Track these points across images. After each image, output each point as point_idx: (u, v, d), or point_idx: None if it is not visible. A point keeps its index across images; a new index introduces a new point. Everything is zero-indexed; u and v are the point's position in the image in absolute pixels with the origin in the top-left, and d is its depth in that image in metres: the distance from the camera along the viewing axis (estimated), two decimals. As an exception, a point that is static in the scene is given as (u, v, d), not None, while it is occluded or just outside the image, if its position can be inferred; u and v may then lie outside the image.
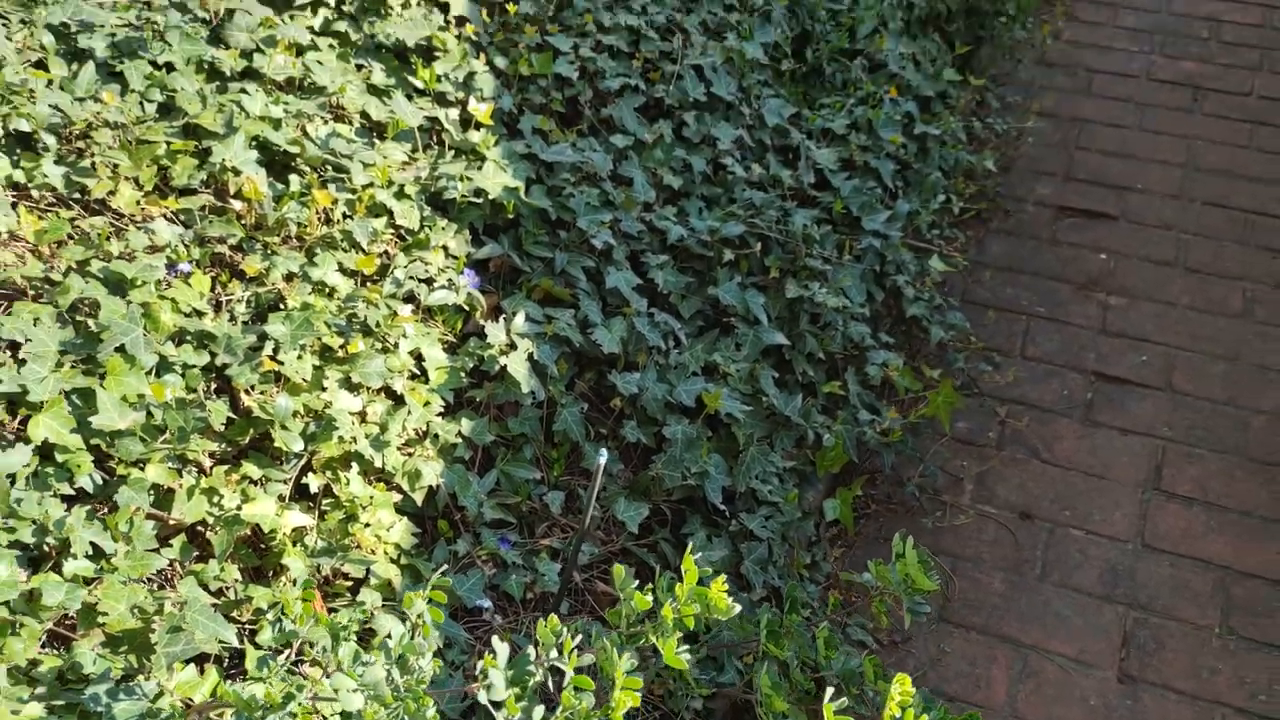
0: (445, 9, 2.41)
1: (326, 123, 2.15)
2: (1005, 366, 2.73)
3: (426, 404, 1.85)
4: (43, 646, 1.47)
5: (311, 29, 2.28)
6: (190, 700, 1.40)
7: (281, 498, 1.70)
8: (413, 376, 1.90)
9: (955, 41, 3.31)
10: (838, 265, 2.37)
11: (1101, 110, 3.60)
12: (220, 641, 1.51)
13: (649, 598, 1.48)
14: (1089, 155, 3.41)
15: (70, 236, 1.81)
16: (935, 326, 2.52)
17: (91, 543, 1.50)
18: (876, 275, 2.49)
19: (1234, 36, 3.97)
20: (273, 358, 1.73)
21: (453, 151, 2.20)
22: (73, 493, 1.56)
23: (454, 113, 2.25)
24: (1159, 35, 3.94)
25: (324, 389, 1.76)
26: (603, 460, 1.59)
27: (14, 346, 1.60)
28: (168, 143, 1.96)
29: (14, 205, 1.81)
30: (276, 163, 2.04)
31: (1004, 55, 3.63)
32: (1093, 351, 2.79)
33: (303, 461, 1.73)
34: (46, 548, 1.50)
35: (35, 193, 1.85)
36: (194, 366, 1.72)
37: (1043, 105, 3.57)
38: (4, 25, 2.01)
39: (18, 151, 1.86)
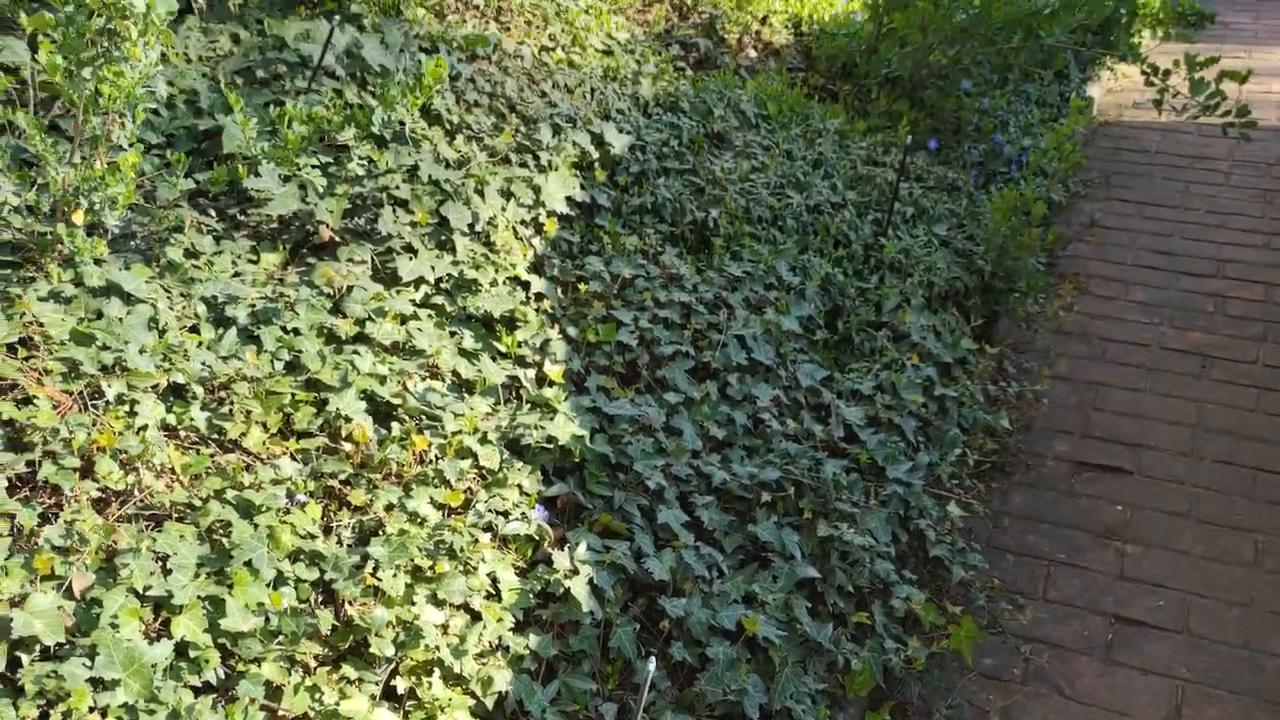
0: (526, 286, 2.85)
1: (424, 379, 2.54)
2: (1027, 607, 2.94)
3: (500, 620, 2.13)
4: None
5: (414, 302, 2.71)
6: None
7: (373, 697, 1.95)
8: (489, 596, 2.19)
9: (972, 315, 3.70)
10: (865, 509, 2.66)
11: (1115, 375, 3.92)
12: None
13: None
14: (1104, 415, 3.71)
15: (209, 470, 2.17)
16: (957, 566, 2.76)
17: (216, 726, 1.76)
18: (901, 519, 2.76)
19: (1239, 311, 4.32)
20: (373, 575, 2.04)
21: (529, 405, 2.57)
22: (200, 684, 1.84)
23: (531, 372, 2.64)
24: (1168, 309, 4.31)
25: (414, 603, 2.05)
26: (650, 670, 1.84)
27: (162, 559, 1.93)
28: (292, 394, 2.35)
29: (165, 444, 2.18)
30: (381, 411, 2.42)
31: (1020, 326, 4.01)
32: (1111, 595, 2.99)
33: (393, 665, 2.00)
34: (180, 728, 1.76)
35: (183, 433, 2.23)
36: (306, 581, 2.02)
37: (1059, 370, 3.90)
38: (167, 296, 2.45)
39: (171, 398, 2.26)
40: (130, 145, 2.30)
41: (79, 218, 2.28)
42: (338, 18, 3.20)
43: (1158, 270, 4.52)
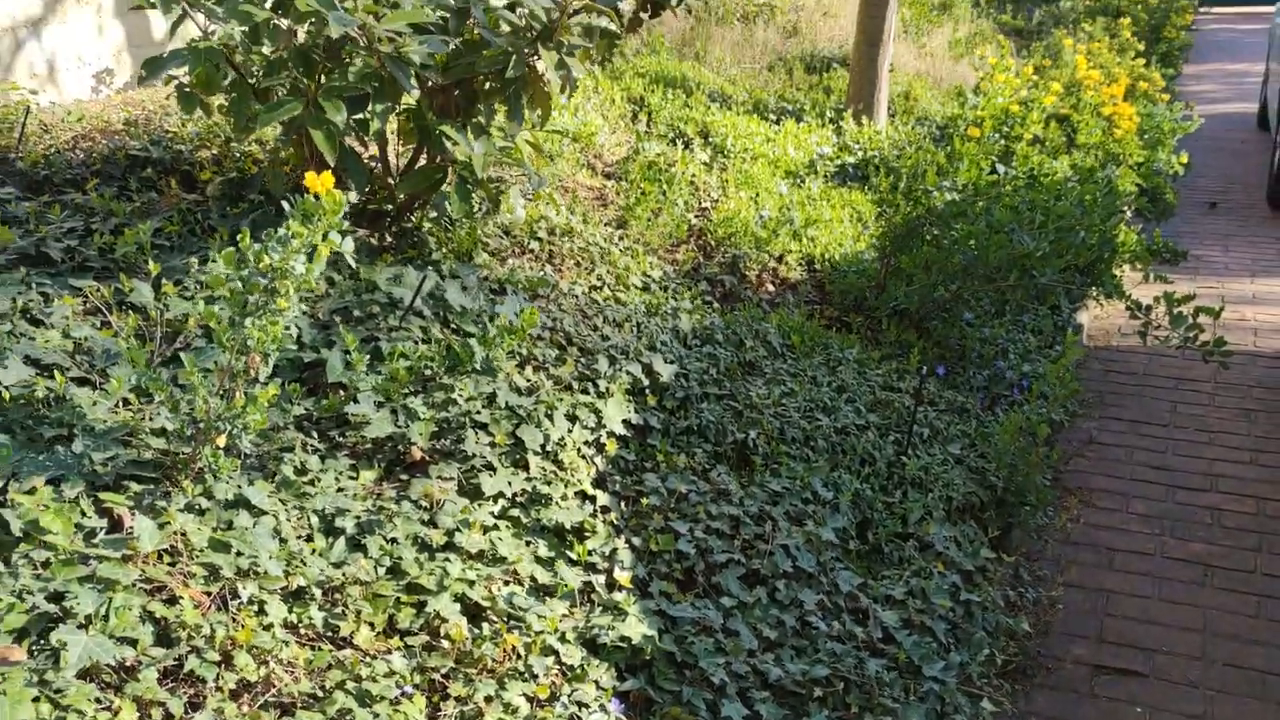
0: (593, 500, 3.19)
1: (508, 584, 2.83)
2: (1060, 803, 3.13)
3: (588, 803, 2.35)
4: None
5: (494, 514, 3.03)
6: None
7: None
8: (576, 781, 2.42)
9: (988, 526, 4.01)
10: (905, 704, 2.90)
11: (1124, 583, 4.20)
12: None
13: None
14: (1116, 621, 3.97)
15: (329, 664, 2.44)
16: (993, 761, 2.98)
17: None
18: (938, 714, 3.00)
19: (1234, 523, 4.63)
20: (478, 758, 2.28)
21: (601, 607, 2.86)
22: None
23: (601, 578, 2.94)
24: (1168, 520, 4.62)
25: (514, 785, 2.29)
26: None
27: (297, 743, 2.18)
28: (396, 596, 2.65)
29: (288, 642, 2.46)
30: (472, 612, 2.70)
31: (1032, 536, 4.32)
32: (1137, 792, 3.19)
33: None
34: None
35: (303, 630, 2.51)
36: (420, 764, 2.27)
37: (1071, 578, 4.18)
38: (284, 509, 2.78)
39: (292, 600, 2.55)
40: (267, 382, 2.68)
41: (221, 441, 2.64)
42: (419, 263, 3.67)
43: (1155, 484, 4.86)
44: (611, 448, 3.38)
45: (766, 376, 4.23)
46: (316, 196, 2.26)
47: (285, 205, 2.32)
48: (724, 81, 8.22)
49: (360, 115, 3.57)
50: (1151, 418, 5.46)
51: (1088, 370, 5.95)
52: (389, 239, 4.10)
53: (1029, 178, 5.29)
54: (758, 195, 6.06)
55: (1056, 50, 10.16)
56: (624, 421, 3.51)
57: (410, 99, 3.66)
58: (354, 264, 3.15)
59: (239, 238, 2.33)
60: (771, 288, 5.38)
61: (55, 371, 2.89)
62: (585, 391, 3.56)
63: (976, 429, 4.52)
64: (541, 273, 4.28)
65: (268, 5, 3.39)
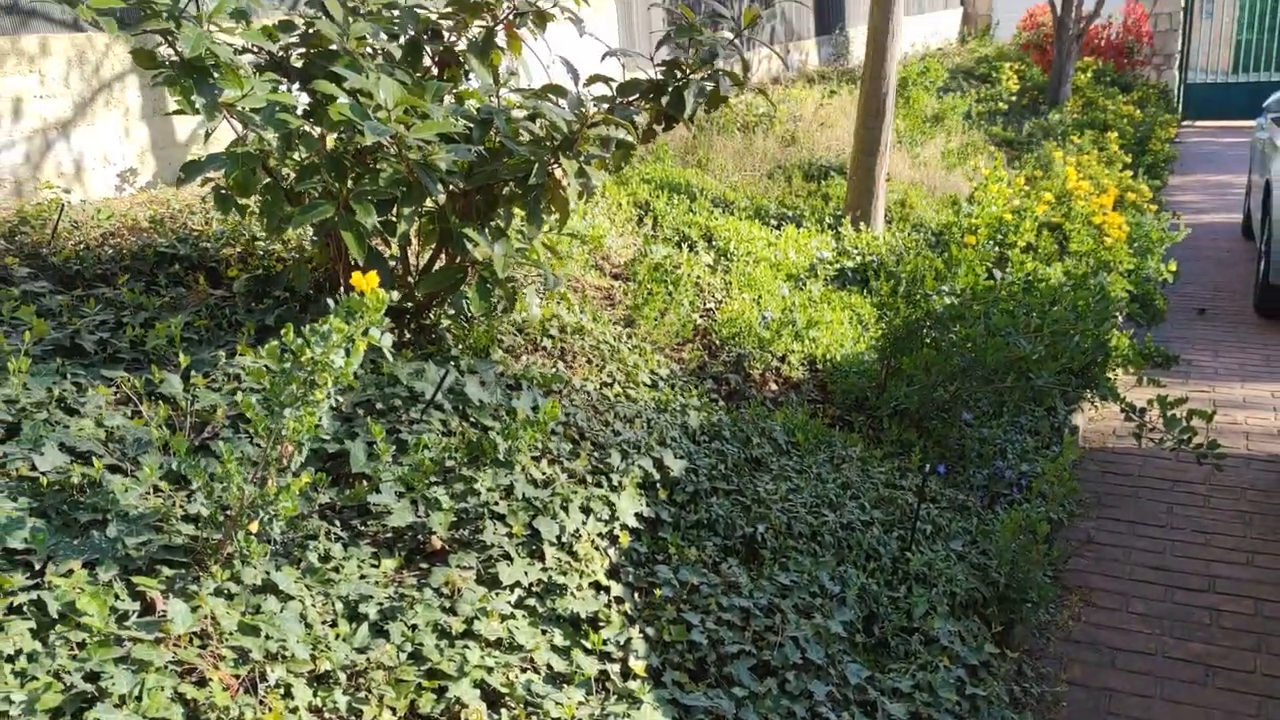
0: (607, 590, 3.26)
1: (525, 671, 2.90)
2: None
3: None
4: None
5: (511, 603, 3.10)
6: None
7: None
8: None
9: (991, 622, 4.08)
10: (915, 797, 2.94)
11: (1126, 682, 4.25)
12: None
13: None
14: (1120, 720, 4.01)
15: (354, 748, 2.49)
16: None
17: None
18: (948, 808, 3.04)
19: (1233, 623, 4.69)
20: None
21: (616, 695, 2.92)
22: None
23: (616, 667, 3.00)
24: (1167, 620, 4.68)
25: None
26: None
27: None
28: (418, 682, 2.71)
29: (314, 724, 2.52)
30: (491, 699, 2.76)
31: (1034, 633, 4.37)
32: None
33: None
34: None
35: (327, 714, 2.57)
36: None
37: (1073, 676, 4.23)
38: (309, 594, 2.86)
39: (316, 684, 2.61)
40: (299, 471, 2.78)
41: (254, 527, 2.73)
42: (438, 358, 3.80)
43: (1154, 584, 4.93)
44: (625, 540, 3.46)
45: (773, 473, 4.34)
46: (360, 294, 2.39)
47: (330, 302, 2.46)
48: (726, 188, 8.48)
49: (385, 217, 3.74)
50: (1148, 519, 5.55)
51: (1084, 471, 6.05)
52: (408, 335, 4.24)
53: (1025, 283, 5.47)
54: (760, 297, 6.23)
55: (1047, 161, 10.49)
56: (636, 514, 3.60)
57: (432, 202, 3.84)
58: (391, 358, 3.27)
59: (283, 332, 2.45)
60: (775, 386, 5.51)
61: (91, 458, 2.99)
62: (599, 484, 3.66)
63: (978, 526, 4.61)
64: (555, 369, 4.41)
65: (299, 112, 3.58)
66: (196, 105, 3.16)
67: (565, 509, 3.41)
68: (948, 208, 9.09)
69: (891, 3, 7.80)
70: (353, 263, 4.04)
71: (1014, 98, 14.90)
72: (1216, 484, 5.91)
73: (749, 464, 4.37)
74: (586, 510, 3.49)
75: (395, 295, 4.32)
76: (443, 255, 4.23)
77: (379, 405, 3.59)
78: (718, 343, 5.67)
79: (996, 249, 7.50)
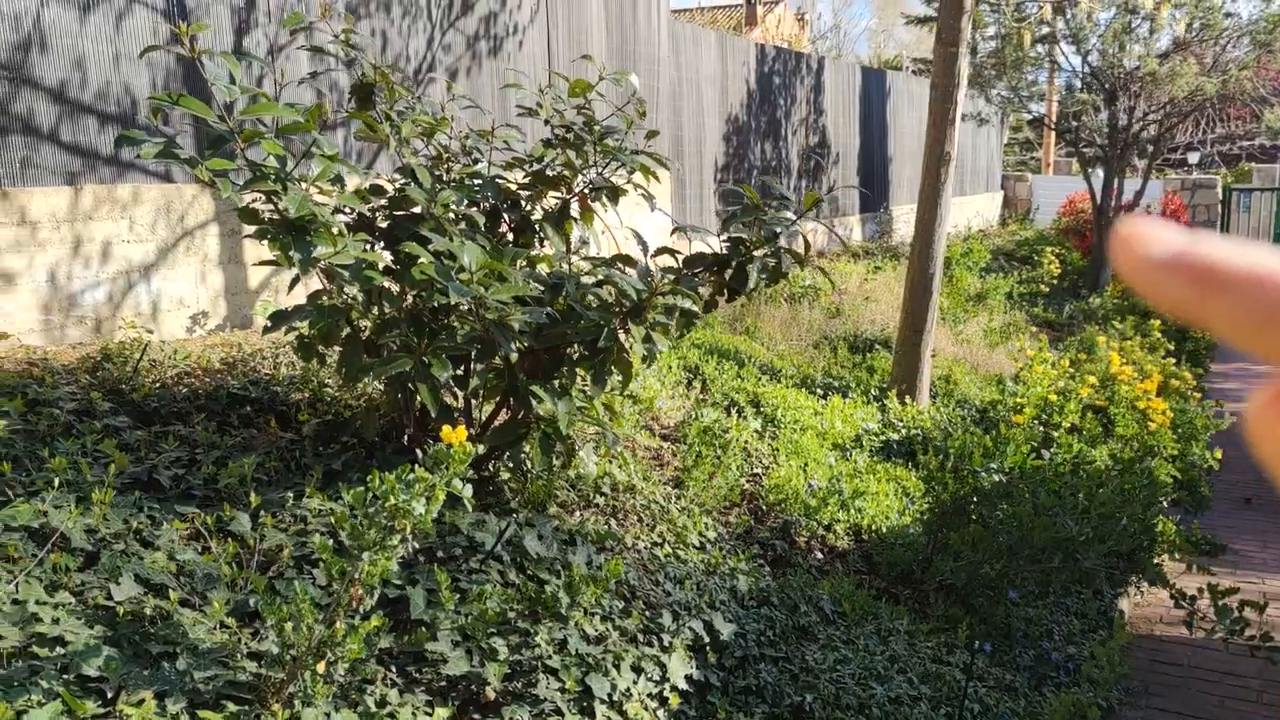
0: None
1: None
2: None
3: None
4: None
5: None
6: None
7: None
8: None
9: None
10: None
11: None
12: None
13: None
14: None
15: None
16: None
17: None
18: None
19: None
20: None
21: None
22: None
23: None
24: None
25: None
26: None
27: None
28: (468, 835, 2.71)
29: None
30: None
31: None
32: None
33: None
34: None
35: None
36: None
37: None
38: (365, 742, 2.89)
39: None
40: (369, 614, 2.86)
41: (321, 668, 2.79)
42: (497, 510, 3.89)
43: (1207, 781, 4.80)
44: (674, 702, 3.47)
45: (820, 642, 4.34)
46: (448, 446, 2.52)
47: (419, 452, 2.58)
48: (773, 356, 8.67)
49: (456, 372, 3.90)
50: (1198, 711, 5.42)
51: (1132, 657, 5.95)
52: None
53: (1073, 464, 5.52)
54: (807, 465, 6.31)
55: (1090, 345, 10.63)
56: (686, 676, 3.62)
57: (499, 359, 4.01)
58: (470, 508, 3.37)
59: (369, 479, 2.57)
60: (820, 555, 5.54)
61: (166, 591, 3.09)
62: (650, 644, 3.69)
63: (1025, 708, 4.54)
64: (607, 526, 4.48)
65: (381, 269, 3.79)
66: (293, 259, 3.37)
67: (617, 667, 3.44)
68: (991, 385, 9.21)
69: (940, 188, 8.11)
70: (420, 413, 4.20)
71: (1055, 280, 15.18)
72: (1270, 679, 5.79)
73: (796, 632, 4.37)
74: (638, 670, 3.51)
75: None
76: (505, 410, 4.37)
77: (440, 553, 3.68)
78: (764, 508, 5.73)
79: (1041, 429, 7.56)
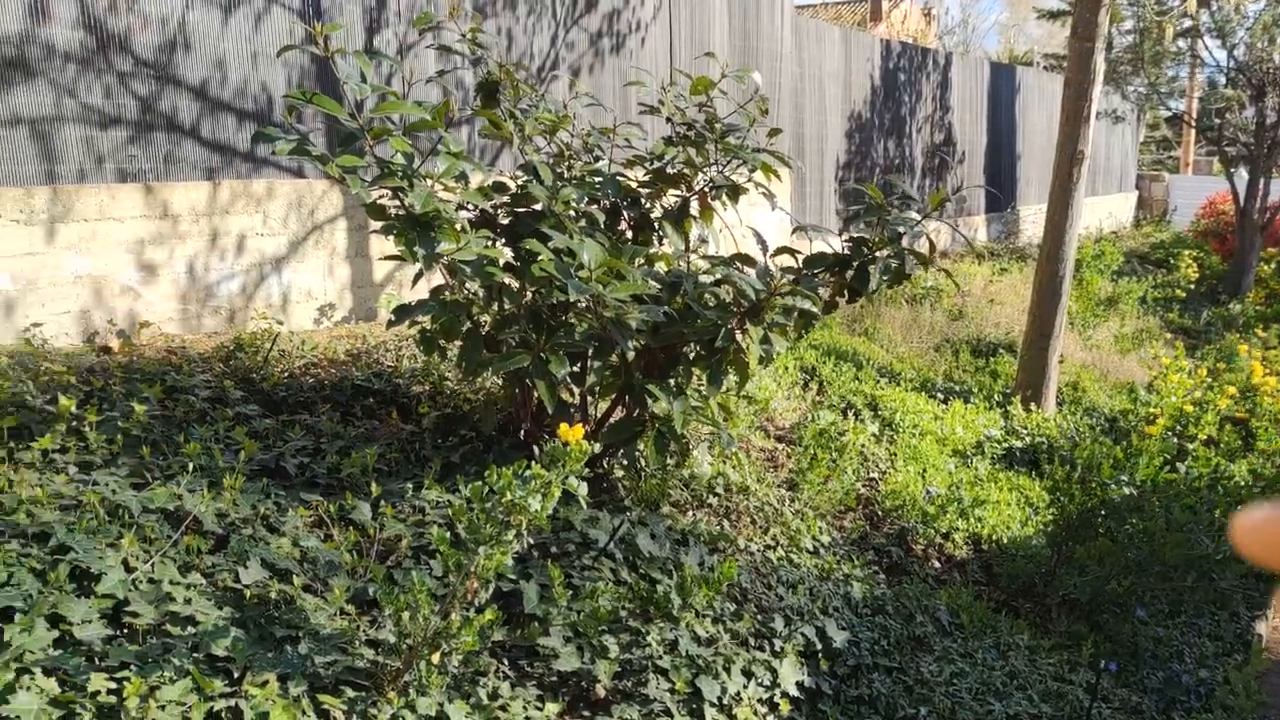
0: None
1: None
2: None
3: None
4: None
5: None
6: None
7: None
8: None
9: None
10: None
11: None
12: None
13: None
14: None
15: None
16: None
17: None
18: None
19: None
20: None
21: None
22: None
23: (772, 839, 2.94)
24: None
25: None
26: None
27: None
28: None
29: None
30: None
31: None
32: None
33: None
34: None
35: None
36: None
37: None
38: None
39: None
40: (483, 607, 2.89)
41: (436, 659, 2.84)
42: (610, 508, 3.90)
43: (1350, 819, 4.54)
44: (785, 708, 3.43)
45: (936, 654, 4.23)
46: (565, 444, 2.53)
47: (535, 448, 2.60)
48: (892, 359, 8.51)
49: (573, 369, 3.92)
50: (1344, 744, 5.13)
51: (1269, 684, 5.66)
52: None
53: (1210, 478, 5.28)
54: (925, 471, 6.17)
55: (1229, 354, 10.16)
56: (797, 683, 3.57)
57: (616, 357, 4.01)
58: (585, 506, 3.39)
59: (487, 474, 2.60)
60: (937, 564, 5.41)
61: (290, 576, 3.18)
62: (761, 649, 3.65)
63: (1154, 734, 4.36)
64: (720, 527, 4.46)
65: (501, 265, 3.83)
66: (418, 255, 3.43)
67: (728, 670, 3.41)
68: (1122, 394, 8.87)
69: (1072, 188, 7.84)
70: (536, 409, 4.23)
71: (1192, 285, 14.55)
72: None
73: (911, 642, 4.28)
74: (748, 674, 3.48)
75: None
76: (620, 408, 4.38)
77: (553, 549, 3.70)
78: (880, 514, 5.62)
79: (1176, 441, 7.25)
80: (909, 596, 4.60)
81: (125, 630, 2.77)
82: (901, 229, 4.02)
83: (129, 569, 2.99)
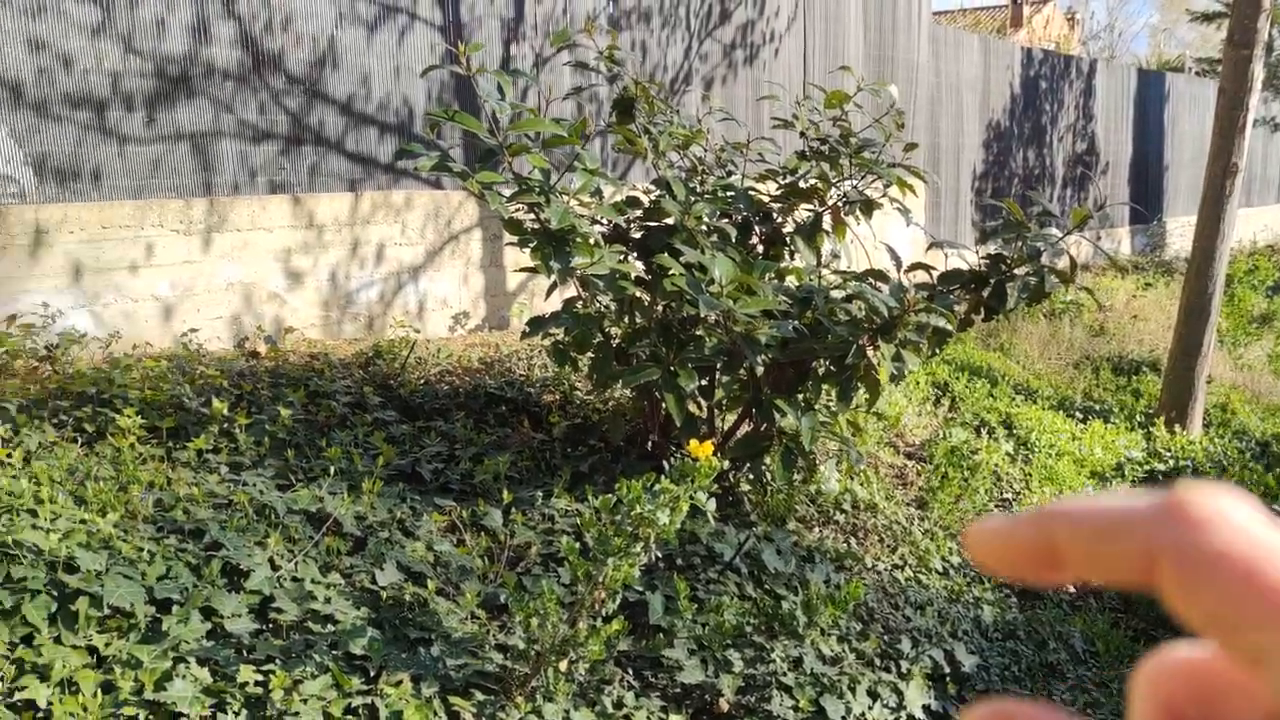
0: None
1: None
2: None
3: None
4: None
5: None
6: None
7: None
8: None
9: None
10: None
11: None
12: None
13: None
14: None
15: None
16: None
17: None
18: None
19: None
20: None
21: None
22: None
23: None
24: None
25: None
26: None
27: None
28: (698, 846, 2.73)
29: None
30: None
31: None
32: None
33: None
34: None
35: None
36: None
37: None
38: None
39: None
40: (610, 617, 2.93)
41: (563, 666, 2.89)
42: (735, 522, 3.90)
43: None
44: (911, 732, 3.38)
45: (1069, 682, 4.11)
46: (694, 459, 2.55)
47: (663, 460, 2.63)
48: (1029, 375, 8.28)
49: (701, 382, 3.94)
50: None
51: None
52: (708, 495, 4.38)
53: (1372, 512, 4.98)
54: (1062, 492, 5.99)
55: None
56: (924, 706, 3.51)
57: (744, 371, 4.02)
58: (713, 521, 3.42)
59: (616, 486, 2.64)
60: (1073, 589, 5.24)
61: (424, 579, 3.28)
62: (887, 670, 3.60)
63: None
64: (847, 545, 4.41)
65: (633, 278, 3.88)
66: (552, 268, 3.51)
67: (852, 690, 3.38)
68: (1275, 417, 8.44)
69: (1224, 200, 7.51)
70: (664, 421, 4.27)
71: (1356, 302, 13.75)
72: None
73: (1043, 669, 4.16)
74: (873, 695, 3.44)
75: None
76: (748, 422, 4.38)
77: (679, 561, 3.72)
78: (1013, 535, 5.47)
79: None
80: (1042, 622, 4.47)
81: (270, 625, 2.90)
82: (1041, 246, 3.92)
83: (274, 567, 3.13)
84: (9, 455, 3.44)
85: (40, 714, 2.43)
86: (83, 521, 3.05)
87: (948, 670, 3.74)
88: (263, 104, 5.51)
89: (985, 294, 3.92)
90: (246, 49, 5.41)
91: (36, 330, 4.53)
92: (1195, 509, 0.28)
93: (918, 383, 7.07)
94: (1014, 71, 12.16)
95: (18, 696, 2.43)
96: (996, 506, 5.70)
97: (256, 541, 3.19)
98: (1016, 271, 3.91)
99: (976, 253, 3.99)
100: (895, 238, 8.07)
